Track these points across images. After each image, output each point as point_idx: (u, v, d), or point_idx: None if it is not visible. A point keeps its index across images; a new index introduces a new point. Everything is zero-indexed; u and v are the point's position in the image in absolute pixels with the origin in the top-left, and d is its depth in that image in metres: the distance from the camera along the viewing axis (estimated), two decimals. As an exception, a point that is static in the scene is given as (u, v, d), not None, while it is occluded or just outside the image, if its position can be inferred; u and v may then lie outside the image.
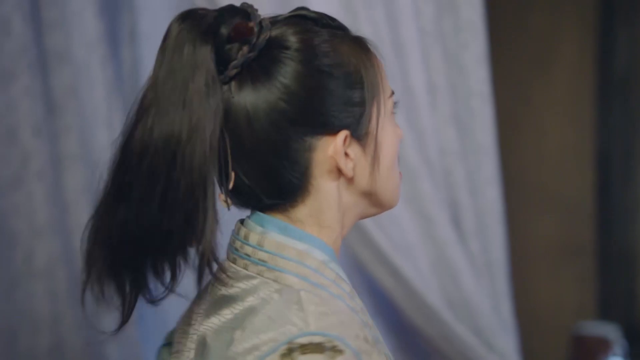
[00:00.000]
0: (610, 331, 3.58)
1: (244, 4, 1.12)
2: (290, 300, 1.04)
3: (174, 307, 2.63)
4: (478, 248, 2.43)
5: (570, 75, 3.93)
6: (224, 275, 1.12)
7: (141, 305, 2.62)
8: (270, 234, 1.11)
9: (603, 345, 3.52)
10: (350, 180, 1.13)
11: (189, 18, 1.06)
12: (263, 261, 1.10)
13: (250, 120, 1.07)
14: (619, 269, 3.90)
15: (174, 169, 1.02)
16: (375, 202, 1.16)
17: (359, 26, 2.03)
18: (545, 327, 3.87)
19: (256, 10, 1.11)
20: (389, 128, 1.15)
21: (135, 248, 1.06)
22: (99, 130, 2.43)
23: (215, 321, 1.11)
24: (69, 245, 2.42)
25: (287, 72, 1.08)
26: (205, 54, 1.04)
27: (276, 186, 1.11)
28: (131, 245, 1.06)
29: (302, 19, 1.13)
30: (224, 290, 1.12)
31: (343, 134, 1.10)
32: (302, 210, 1.12)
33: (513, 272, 2.55)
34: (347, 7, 2.07)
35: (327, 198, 1.12)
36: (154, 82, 1.06)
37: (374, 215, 1.20)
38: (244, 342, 1.02)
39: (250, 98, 1.07)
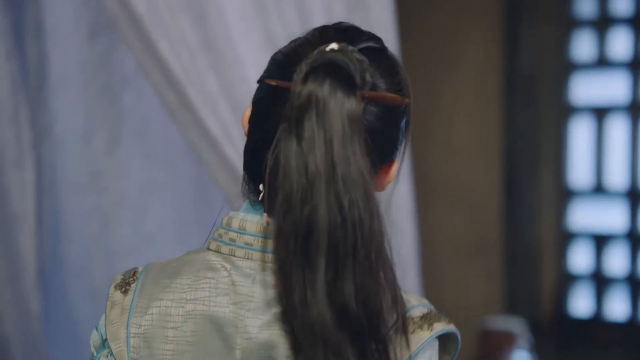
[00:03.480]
0: (515, 325, 3.66)
1: (354, 55, 1.06)
2: None
3: (81, 305, 2.60)
4: (389, 244, 2.45)
5: (477, 75, 4.00)
6: None
7: (48, 303, 2.57)
8: None
9: (509, 339, 3.60)
10: None
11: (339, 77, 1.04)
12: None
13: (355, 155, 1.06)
14: (524, 265, 3.99)
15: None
16: None
17: (270, 25, 2.03)
18: (454, 322, 3.93)
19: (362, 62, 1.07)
20: None
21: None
22: (4, 126, 2.38)
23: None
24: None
25: (373, 115, 1.08)
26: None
27: None
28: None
29: (371, 51, 1.11)
30: None
31: (397, 162, 1.14)
32: None
33: (423, 268, 2.59)
34: (259, 5, 2.06)
35: None
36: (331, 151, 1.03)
37: None
38: None
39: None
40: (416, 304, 1.11)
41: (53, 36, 2.52)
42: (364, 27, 1.26)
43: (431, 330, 1.09)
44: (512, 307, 3.97)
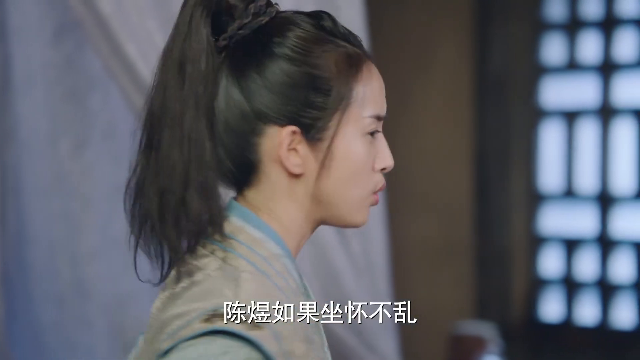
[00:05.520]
0: (486, 330, 3.65)
1: None
2: (229, 277, 1.11)
3: (45, 310, 2.57)
4: (359, 249, 2.44)
5: (447, 76, 3.99)
6: (186, 254, 1.17)
7: (12, 308, 2.54)
8: (231, 218, 1.17)
9: (479, 344, 3.59)
10: (298, 177, 1.18)
11: None
12: (217, 241, 1.16)
13: (226, 92, 1.16)
14: (494, 269, 3.99)
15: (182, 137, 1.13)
16: (333, 213, 1.20)
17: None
18: (424, 327, 3.91)
19: None
20: (356, 144, 1.18)
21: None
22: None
23: (166, 294, 1.16)
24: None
25: (262, 61, 1.16)
26: (201, 19, 1.14)
27: (237, 162, 1.17)
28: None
29: (310, 18, 1.19)
30: (181, 267, 1.16)
31: (290, 128, 1.16)
32: (255, 195, 1.18)
33: (393, 273, 2.58)
34: (227, 5, 2.05)
35: (276, 187, 1.18)
36: (169, 48, 1.16)
37: (336, 226, 1.25)
38: (177, 308, 1.10)
39: (228, 71, 1.17)
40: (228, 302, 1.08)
41: (17, 37, 2.49)
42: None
43: (211, 323, 1.06)
44: (482, 311, 3.97)
